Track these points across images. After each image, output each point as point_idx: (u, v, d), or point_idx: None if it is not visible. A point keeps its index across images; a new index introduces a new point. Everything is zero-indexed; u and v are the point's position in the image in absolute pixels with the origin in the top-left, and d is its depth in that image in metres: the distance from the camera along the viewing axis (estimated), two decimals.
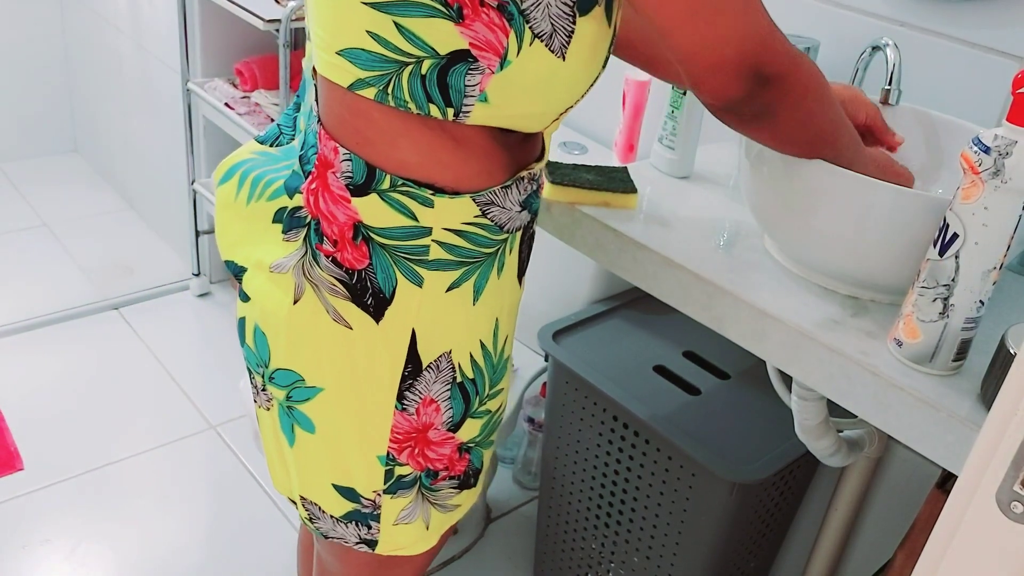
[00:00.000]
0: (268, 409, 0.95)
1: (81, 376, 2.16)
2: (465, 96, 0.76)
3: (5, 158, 3.05)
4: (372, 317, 0.84)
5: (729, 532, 1.27)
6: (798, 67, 0.79)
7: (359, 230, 0.82)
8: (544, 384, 1.72)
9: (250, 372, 0.97)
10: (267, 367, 0.92)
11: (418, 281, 0.83)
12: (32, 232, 2.73)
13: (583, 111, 1.68)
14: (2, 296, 2.39)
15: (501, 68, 0.74)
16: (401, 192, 0.80)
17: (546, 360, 1.44)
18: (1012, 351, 0.74)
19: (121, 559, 1.70)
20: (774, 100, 0.79)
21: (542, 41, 0.74)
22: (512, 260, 0.90)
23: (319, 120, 0.84)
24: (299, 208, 0.85)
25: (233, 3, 1.94)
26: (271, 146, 0.96)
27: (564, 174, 1.08)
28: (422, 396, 0.88)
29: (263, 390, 0.95)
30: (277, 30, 1.87)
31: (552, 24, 0.74)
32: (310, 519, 0.99)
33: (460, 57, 0.74)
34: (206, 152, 2.36)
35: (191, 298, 2.50)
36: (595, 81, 0.84)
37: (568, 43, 0.75)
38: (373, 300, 0.83)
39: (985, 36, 1.11)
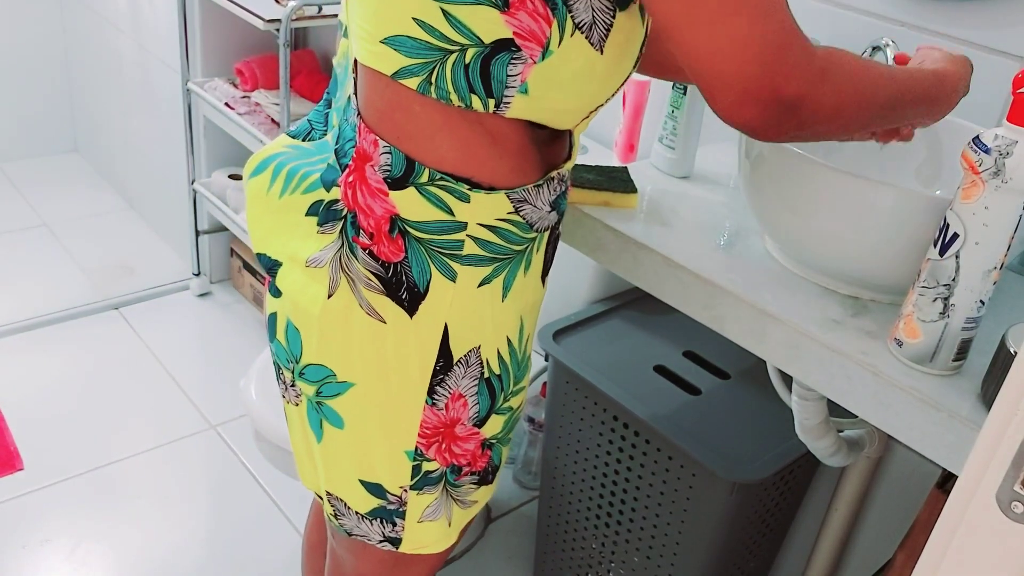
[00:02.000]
0: (297, 405, 0.95)
1: (81, 376, 2.16)
2: (507, 87, 0.77)
3: (5, 158, 3.05)
4: (406, 311, 0.84)
5: (729, 532, 1.27)
6: (823, 81, 0.72)
7: (395, 223, 0.82)
8: (544, 384, 1.72)
9: (278, 368, 0.97)
10: (298, 362, 0.92)
11: (452, 276, 0.84)
12: (32, 232, 2.73)
13: None
14: (2, 296, 2.39)
15: (543, 58, 0.75)
16: (439, 186, 0.81)
17: (546, 360, 1.44)
18: (1012, 351, 0.74)
19: (121, 559, 1.70)
20: (804, 122, 0.73)
21: (582, 32, 0.75)
22: (539, 259, 0.90)
23: (358, 114, 0.84)
24: (336, 201, 0.85)
25: (233, 3, 1.94)
26: (303, 140, 0.96)
27: None
28: (451, 391, 0.89)
29: (292, 386, 0.95)
30: (277, 30, 1.87)
31: (593, 16, 0.74)
32: (335, 515, 1.00)
33: (504, 46, 0.74)
34: (206, 152, 2.36)
35: (191, 298, 2.50)
36: (626, 79, 0.84)
37: (606, 36, 0.76)
38: (407, 294, 0.84)
39: (985, 36, 1.11)
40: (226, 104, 2.12)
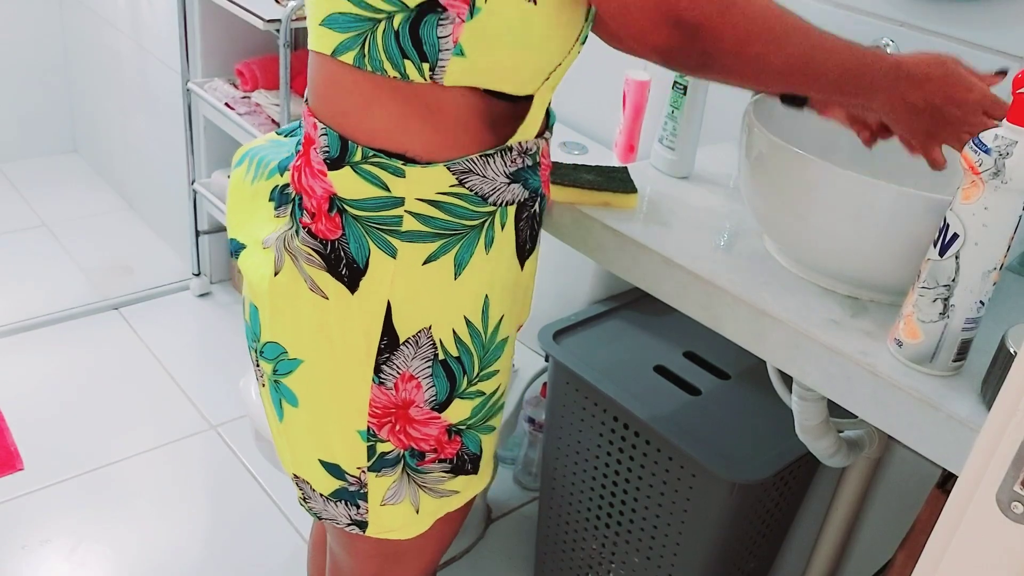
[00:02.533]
0: (264, 386, 0.97)
1: (81, 376, 2.16)
2: (440, 50, 0.77)
3: (5, 158, 3.05)
4: (347, 287, 0.85)
5: (729, 532, 1.27)
6: (728, 10, 0.73)
7: (334, 203, 0.84)
8: (544, 384, 1.72)
9: (249, 350, 0.99)
10: (258, 341, 0.94)
11: (391, 252, 0.84)
12: (32, 232, 2.73)
13: (583, 111, 1.69)
14: (2, 296, 2.39)
15: (471, 16, 0.75)
16: (372, 163, 0.82)
17: (546, 360, 1.44)
18: (1012, 351, 0.74)
19: (121, 559, 1.70)
20: (707, 51, 0.74)
21: None
22: (505, 237, 0.89)
23: (306, 100, 0.87)
24: (287, 185, 0.89)
25: (233, 3, 1.94)
26: (286, 137, 1.00)
27: (564, 174, 1.08)
28: (400, 371, 0.88)
29: (257, 366, 0.97)
30: (277, 30, 1.87)
31: None
32: (304, 498, 1.01)
33: (430, 7, 0.75)
34: (206, 152, 2.36)
35: (191, 298, 2.50)
36: (581, 37, 0.83)
37: None
38: (347, 270, 0.85)
39: (985, 36, 1.11)
40: (226, 104, 2.12)
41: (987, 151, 0.73)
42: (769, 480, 1.25)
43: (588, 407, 1.37)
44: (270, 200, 0.92)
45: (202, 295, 2.51)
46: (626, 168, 1.12)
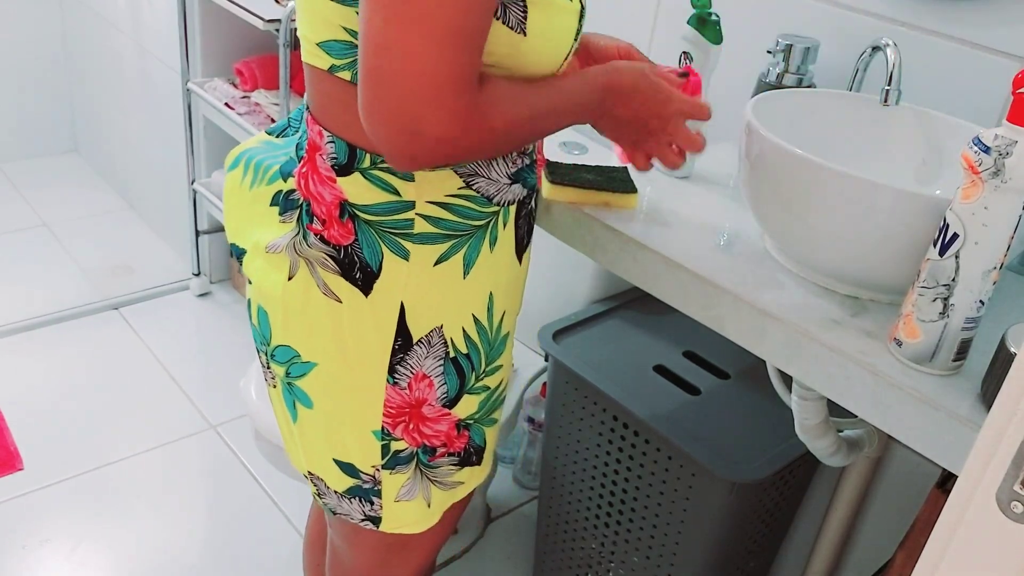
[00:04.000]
0: (275, 387, 0.98)
1: (81, 376, 2.16)
2: None
3: (5, 158, 3.05)
4: (361, 291, 0.86)
5: (729, 532, 1.27)
6: (470, 131, 0.75)
7: (345, 208, 0.85)
8: (544, 384, 1.72)
9: (258, 352, 1.00)
10: (269, 345, 0.95)
11: (404, 255, 0.85)
12: (32, 232, 2.73)
13: None
14: (2, 296, 2.39)
15: None
16: (381, 169, 0.83)
17: (546, 360, 1.44)
18: (1012, 351, 0.74)
19: (121, 559, 1.70)
20: (450, 156, 0.77)
21: (498, 18, 0.76)
22: (507, 235, 0.91)
23: (307, 107, 0.88)
24: (293, 191, 0.89)
25: (233, 3, 1.94)
26: (277, 137, 1.00)
27: (564, 174, 1.08)
28: (414, 371, 0.90)
29: (267, 368, 0.98)
30: (277, 30, 1.87)
31: (503, 2, 0.76)
32: (319, 494, 1.02)
33: None
34: (206, 152, 2.36)
35: (191, 298, 2.50)
36: (569, 55, 0.85)
37: (524, 18, 0.78)
38: (361, 274, 0.86)
39: (985, 36, 1.11)
40: (226, 104, 2.12)
41: (987, 151, 0.73)
42: (769, 480, 1.25)
43: (588, 407, 1.37)
44: (272, 205, 0.92)
45: (202, 295, 2.51)
46: (626, 168, 1.12)
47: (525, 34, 0.78)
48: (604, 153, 1.61)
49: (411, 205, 0.84)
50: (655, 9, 1.47)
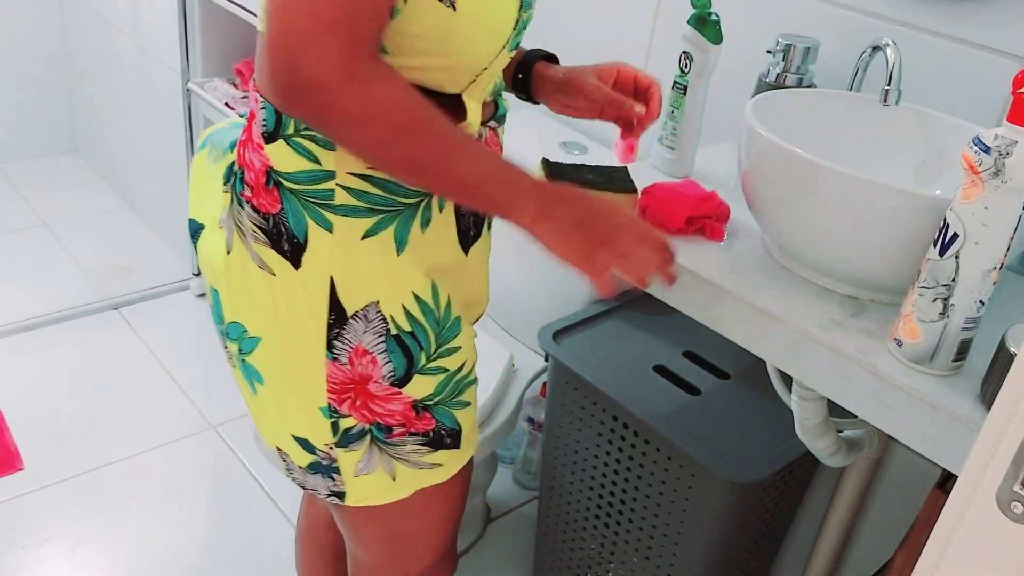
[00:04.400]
0: (235, 367, 0.99)
1: (81, 376, 2.16)
2: None
3: (5, 158, 3.05)
4: (290, 263, 0.87)
5: (729, 532, 1.27)
6: (351, 83, 0.73)
7: (271, 175, 0.86)
8: (544, 384, 1.72)
9: (217, 333, 1.01)
10: (223, 323, 0.96)
11: (327, 226, 0.86)
12: (32, 232, 2.73)
13: None
14: (2, 296, 2.39)
15: (392, 17, 0.77)
16: (304, 136, 0.84)
17: (546, 360, 1.44)
18: (1012, 351, 0.74)
19: (121, 559, 1.70)
20: (322, 112, 0.74)
21: None
22: (444, 220, 0.91)
23: (254, 79, 0.89)
24: (234, 162, 0.91)
25: (233, 3, 1.94)
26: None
27: (564, 173, 1.08)
28: (353, 345, 0.89)
29: (226, 347, 0.98)
30: None
31: None
32: (288, 470, 1.02)
33: None
34: None
35: (191, 298, 2.50)
36: (508, 40, 0.85)
37: None
38: (289, 246, 0.87)
39: (985, 36, 1.11)
40: (226, 104, 2.12)
41: (987, 151, 0.73)
42: (769, 480, 1.25)
43: (588, 407, 1.37)
44: (223, 179, 0.95)
45: (202, 295, 2.51)
46: (626, 168, 1.12)
47: (455, 8, 0.78)
48: (604, 153, 1.61)
49: (331, 175, 0.84)
50: (655, 9, 1.47)
